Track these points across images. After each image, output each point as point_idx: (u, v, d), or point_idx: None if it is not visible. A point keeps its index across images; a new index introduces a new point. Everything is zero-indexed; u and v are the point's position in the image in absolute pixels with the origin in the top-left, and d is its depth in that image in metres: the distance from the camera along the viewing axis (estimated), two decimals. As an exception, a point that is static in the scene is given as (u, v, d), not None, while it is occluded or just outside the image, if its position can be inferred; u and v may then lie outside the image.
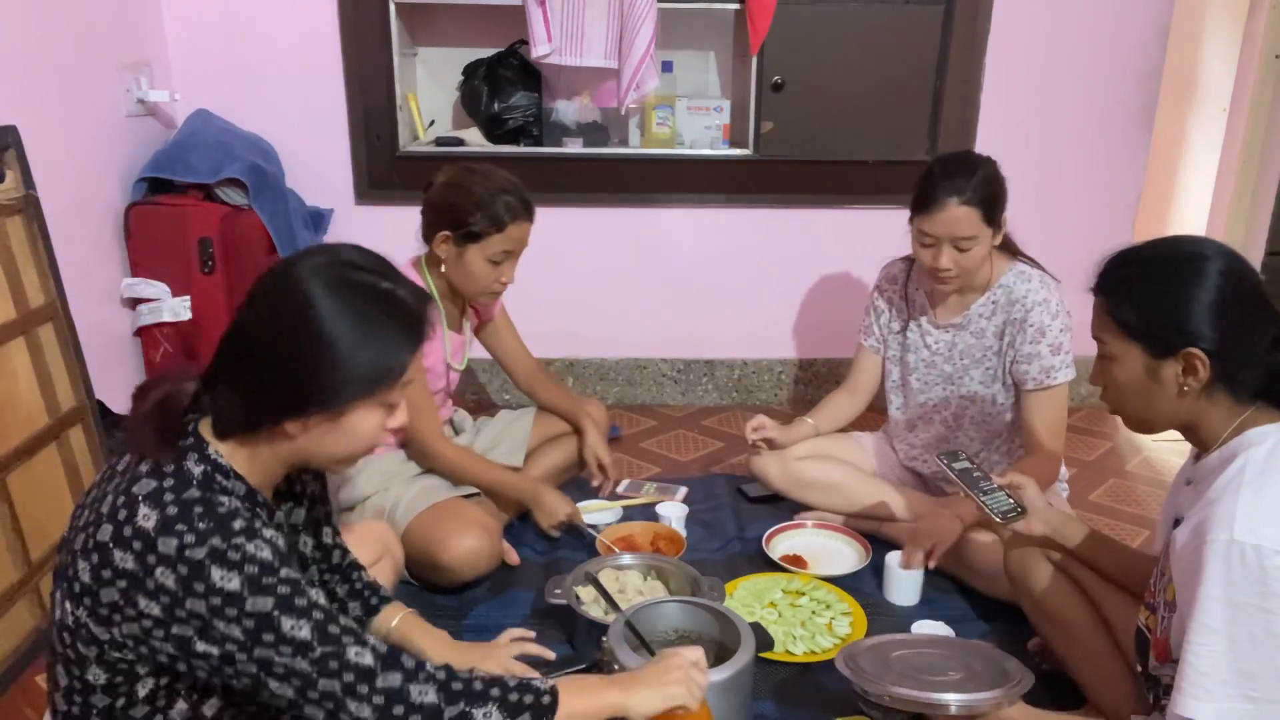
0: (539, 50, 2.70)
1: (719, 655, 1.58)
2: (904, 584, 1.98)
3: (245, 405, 1.13)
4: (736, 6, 2.79)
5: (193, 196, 2.56)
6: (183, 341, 2.56)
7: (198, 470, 1.12)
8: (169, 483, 1.11)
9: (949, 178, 1.94)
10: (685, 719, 1.24)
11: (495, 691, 1.15)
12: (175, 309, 2.53)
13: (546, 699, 1.16)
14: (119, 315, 2.55)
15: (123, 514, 1.09)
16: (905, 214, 2.07)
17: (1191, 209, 4.10)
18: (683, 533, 2.18)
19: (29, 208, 2.00)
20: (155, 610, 1.07)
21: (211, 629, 1.07)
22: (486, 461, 2.16)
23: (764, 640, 1.60)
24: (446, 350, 2.13)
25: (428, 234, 2.03)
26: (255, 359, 1.12)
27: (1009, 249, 2.09)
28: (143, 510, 1.08)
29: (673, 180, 2.95)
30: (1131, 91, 2.96)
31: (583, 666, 1.55)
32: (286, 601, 1.08)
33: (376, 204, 2.91)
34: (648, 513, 2.28)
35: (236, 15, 2.77)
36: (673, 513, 2.22)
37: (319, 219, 2.89)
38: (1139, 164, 3.05)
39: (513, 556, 2.12)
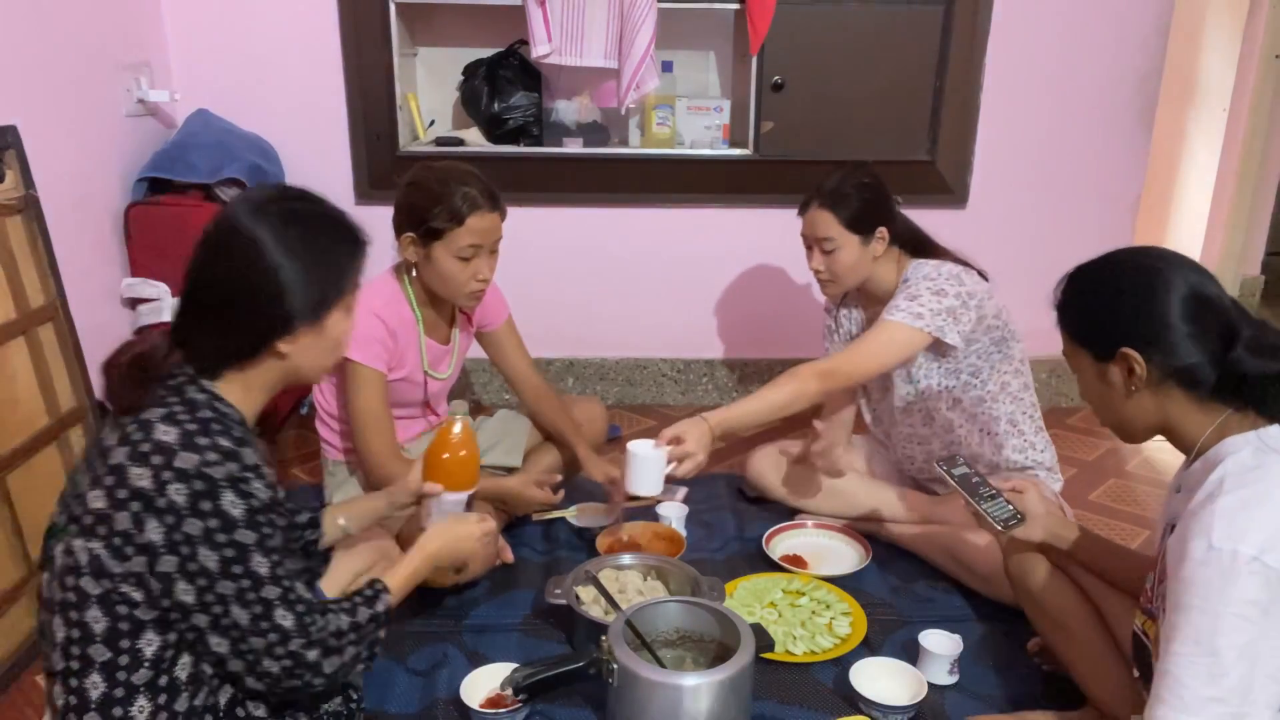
0: (539, 50, 2.70)
1: (719, 655, 1.59)
2: (644, 469, 1.88)
3: (235, 339, 1.25)
4: (736, 6, 2.79)
5: (193, 196, 2.56)
6: (183, 341, 2.56)
7: (201, 397, 1.23)
8: (179, 407, 1.20)
9: (820, 183, 2.06)
10: None
11: (354, 632, 1.30)
12: (175, 309, 2.52)
13: (381, 598, 1.36)
14: (119, 315, 2.55)
15: (138, 435, 1.16)
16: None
17: (1191, 209, 4.10)
18: (683, 533, 2.18)
19: (29, 208, 2.00)
20: (157, 535, 1.13)
21: (194, 558, 1.14)
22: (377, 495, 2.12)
23: (764, 640, 1.60)
24: (424, 360, 2.09)
25: (397, 238, 1.97)
26: (230, 301, 1.24)
27: (924, 250, 2.10)
28: (160, 428, 1.16)
29: (673, 180, 2.95)
30: (1131, 91, 2.96)
31: (581, 664, 1.55)
32: (266, 542, 1.20)
33: (376, 204, 2.89)
34: (648, 513, 2.28)
35: (236, 15, 2.77)
36: (673, 513, 2.22)
37: (319, 219, 2.88)
38: (1139, 164, 3.05)
39: (507, 554, 2.10)
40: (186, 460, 1.14)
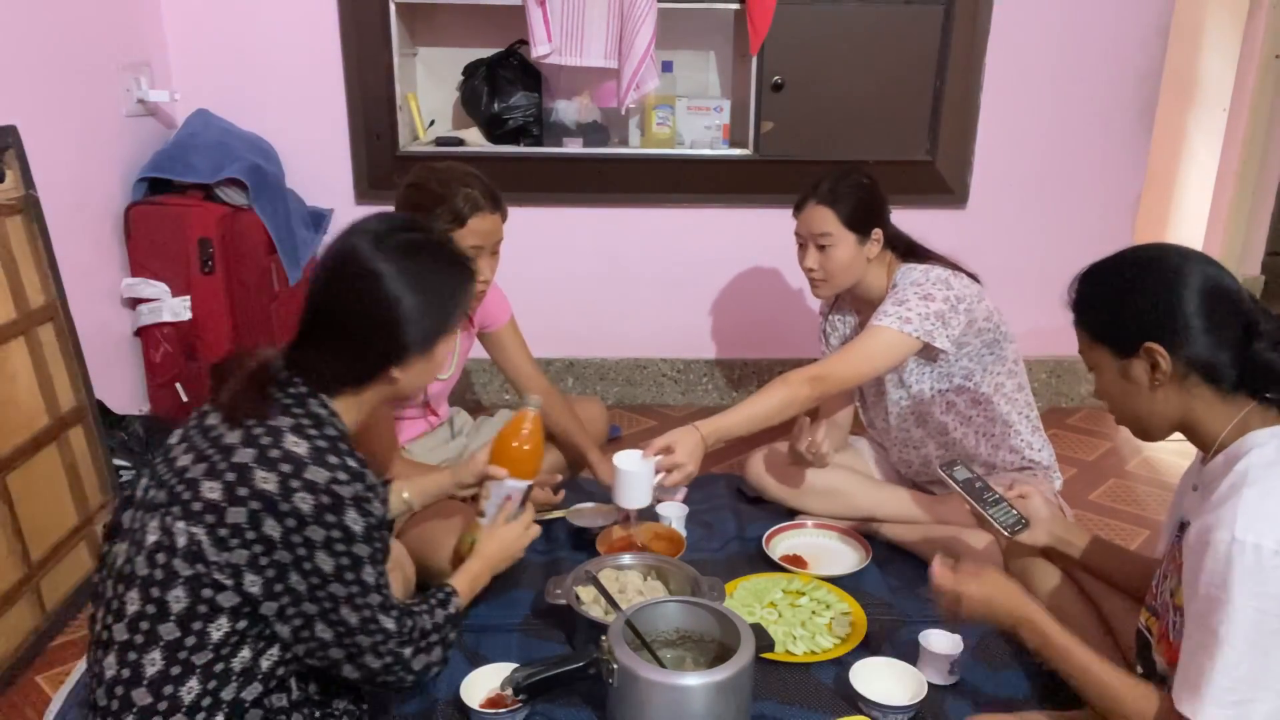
0: (539, 50, 2.70)
1: (719, 655, 1.59)
2: (632, 484, 1.89)
3: (353, 364, 1.32)
4: (736, 6, 2.79)
5: (193, 196, 2.56)
6: (183, 341, 2.56)
7: (324, 412, 1.29)
8: (306, 420, 1.25)
9: (816, 183, 2.07)
10: None
11: (436, 634, 1.39)
12: (175, 309, 2.53)
13: (452, 600, 1.46)
14: (119, 315, 2.55)
15: (266, 440, 1.20)
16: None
17: (1191, 209, 4.10)
18: (683, 533, 2.18)
19: (29, 208, 2.00)
20: (275, 533, 1.17)
21: (310, 559, 1.19)
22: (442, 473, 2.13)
23: (764, 640, 1.60)
24: None
25: None
26: (351, 330, 1.30)
27: (914, 254, 2.11)
28: (290, 438, 1.21)
29: (673, 180, 2.95)
30: (1131, 91, 2.96)
31: (581, 664, 1.55)
32: (376, 555, 1.27)
33: (376, 204, 2.90)
34: (648, 512, 2.28)
35: (236, 15, 2.77)
36: (673, 513, 2.22)
37: (319, 219, 2.89)
38: (1139, 164, 3.05)
39: None
40: (317, 474, 1.19)
